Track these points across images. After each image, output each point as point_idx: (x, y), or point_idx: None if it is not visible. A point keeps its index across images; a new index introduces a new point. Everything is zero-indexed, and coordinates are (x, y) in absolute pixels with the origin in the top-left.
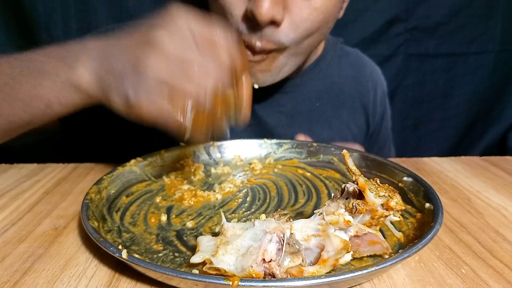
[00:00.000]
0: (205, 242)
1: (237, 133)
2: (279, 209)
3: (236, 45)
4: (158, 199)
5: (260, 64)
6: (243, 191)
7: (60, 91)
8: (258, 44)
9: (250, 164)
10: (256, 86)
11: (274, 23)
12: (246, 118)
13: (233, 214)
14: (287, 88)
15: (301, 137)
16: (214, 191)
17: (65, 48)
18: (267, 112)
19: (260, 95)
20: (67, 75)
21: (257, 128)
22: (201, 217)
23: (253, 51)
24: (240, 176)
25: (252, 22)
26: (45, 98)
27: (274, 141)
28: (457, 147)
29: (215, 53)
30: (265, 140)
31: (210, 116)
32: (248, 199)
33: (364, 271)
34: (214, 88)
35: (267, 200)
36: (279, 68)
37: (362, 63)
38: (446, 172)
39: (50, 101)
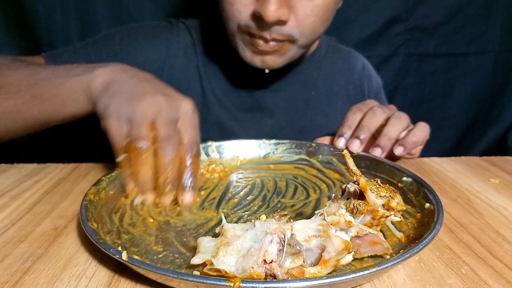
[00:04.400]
0: (206, 243)
1: (237, 115)
2: (279, 210)
3: (196, 158)
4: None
5: (273, 51)
6: (243, 191)
7: (76, 91)
8: (268, 36)
9: None
10: (266, 71)
11: (281, 22)
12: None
13: (233, 215)
14: (286, 75)
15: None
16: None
17: (101, 63)
18: (266, 96)
19: (261, 80)
20: (86, 77)
21: (256, 110)
22: (201, 217)
23: (265, 40)
24: (239, 176)
25: (260, 21)
26: (63, 96)
27: (273, 141)
28: (457, 147)
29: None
30: (264, 140)
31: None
32: (248, 199)
33: (366, 272)
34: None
35: (267, 200)
36: (289, 54)
37: (353, 58)
38: (446, 172)
39: (66, 100)
